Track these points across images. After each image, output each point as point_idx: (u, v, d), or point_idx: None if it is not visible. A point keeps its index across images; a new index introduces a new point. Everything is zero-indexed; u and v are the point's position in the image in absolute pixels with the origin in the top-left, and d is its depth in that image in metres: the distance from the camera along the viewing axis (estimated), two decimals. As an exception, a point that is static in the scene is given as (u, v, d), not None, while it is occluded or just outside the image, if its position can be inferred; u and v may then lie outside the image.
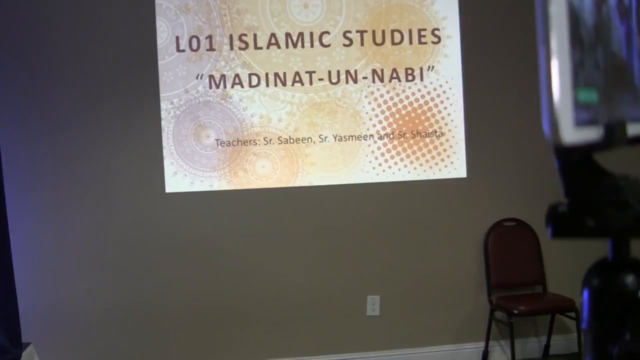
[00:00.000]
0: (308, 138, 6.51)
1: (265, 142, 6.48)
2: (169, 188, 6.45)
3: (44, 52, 6.37)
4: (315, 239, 6.59)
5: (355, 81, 6.52)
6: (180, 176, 6.45)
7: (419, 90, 6.56)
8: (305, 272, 6.59)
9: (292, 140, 6.51)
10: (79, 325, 6.39)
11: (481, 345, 6.67)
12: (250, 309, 6.56)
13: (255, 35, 6.47)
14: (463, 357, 6.69)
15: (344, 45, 6.51)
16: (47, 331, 6.30)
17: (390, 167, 6.56)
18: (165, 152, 6.43)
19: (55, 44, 6.38)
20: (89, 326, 6.40)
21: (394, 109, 6.55)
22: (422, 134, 6.56)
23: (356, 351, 6.63)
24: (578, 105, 0.91)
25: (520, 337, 6.58)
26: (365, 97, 6.53)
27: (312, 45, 6.50)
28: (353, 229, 6.60)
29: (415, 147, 6.57)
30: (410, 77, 6.55)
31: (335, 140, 6.52)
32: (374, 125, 6.54)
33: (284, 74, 6.50)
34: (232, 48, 6.46)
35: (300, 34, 6.50)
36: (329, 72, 6.52)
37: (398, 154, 6.56)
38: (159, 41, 6.43)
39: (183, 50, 6.45)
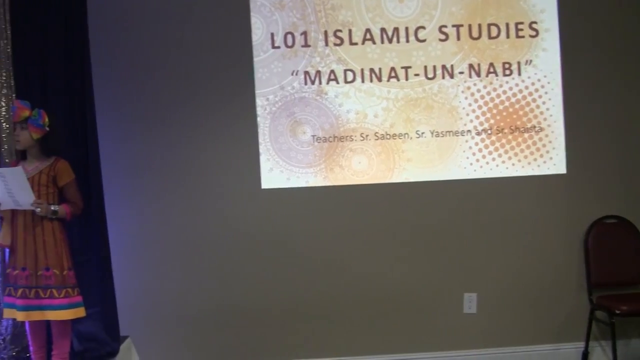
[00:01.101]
0: (404, 134, 6.59)
1: (362, 138, 6.57)
2: (265, 184, 6.54)
3: (143, 50, 6.51)
4: (411, 236, 6.63)
5: (451, 76, 6.59)
6: (277, 172, 6.55)
7: (517, 84, 6.61)
8: (401, 269, 6.62)
9: (388, 136, 6.58)
10: (175, 320, 6.50)
11: (581, 345, 6.65)
12: (345, 306, 6.62)
13: (350, 31, 6.56)
14: (562, 358, 6.67)
15: (440, 40, 6.58)
16: (144, 325, 6.42)
17: (487, 163, 6.62)
18: (261, 148, 6.52)
19: (153, 40, 6.52)
20: (184, 320, 6.51)
21: (491, 104, 6.61)
22: (521, 129, 6.61)
23: (452, 349, 6.67)
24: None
25: (622, 338, 6.53)
26: (462, 92, 6.59)
27: (407, 41, 6.58)
28: (449, 226, 6.64)
29: (513, 143, 6.61)
30: (507, 72, 6.60)
31: (431, 136, 6.59)
32: (471, 121, 6.60)
33: (380, 69, 6.57)
34: (327, 44, 6.55)
35: (396, 29, 6.57)
36: (425, 67, 6.59)
37: (496, 149, 6.61)
38: (254, 38, 6.54)
39: (278, 47, 6.56)
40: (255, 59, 6.55)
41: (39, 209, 5.15)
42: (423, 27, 6.61)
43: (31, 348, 5.38)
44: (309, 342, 6.63)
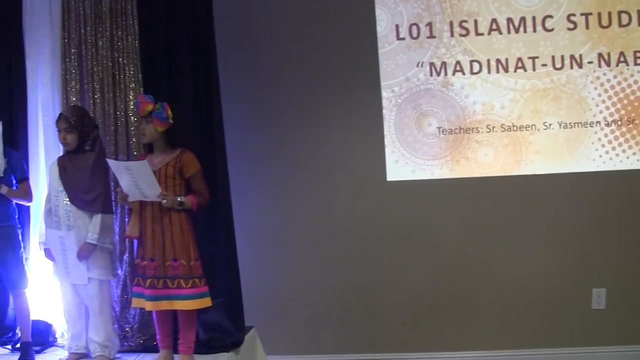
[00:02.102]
0: (532, 125, 6.01)
1: (488, 130, 6.03)
2: (391, 176, 6.11)
3: (268, 42, 6.19)
4: (538, 229, 6.07)
5: (580, 66, 5.96)
6: (402, 164, 6.10)
7: (649, 74, 5.88)
8: (528, 264, 6.07)
9: (515, 128, 6.02)
10: (299, 311, 6.18)
11: None
12: (469, 300, 6.14)
13: (475, 22, 6.02)
14: (696, 356, 5.95)
15: (568, 29, 5.96)
16: (269, 316, 6.08)
17: (617, 155, 5.97)
18: (386, 140, 6.09)
19: (278, 33, 6.18)
20: (308, 312, 6.17)
21: (621, 95, 5.94)
22: (653, 120, 5.92)
23: (580, 345, 6.08)
24: None
25: None
26: (591, 82, 5.95)
27: (534, 30, 5.99)
28: (578, 219, 6.04)
29: (646, 134, 5.91)
30: (639, 61, 5.95)
31: (560, 128, 5.98)
32: (601, 112, 5.96)
33: (506, 60, 6.02)
34: (452, 35, 6.04)
35: (522, 19, 6.00)
36: (553, 57, 5.99)
37: (626, 141, 5.94)
38: (379, 30, 6.09)
39: (403, 39, 6.09)
40: (380, 51, 6.10)
41: (165, 200, 4.85)
42: (550, 16, 6.00)
43: (158, 337, 5.12)
44: (433, 336, 6.17)
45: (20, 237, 5.41)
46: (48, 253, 5.29)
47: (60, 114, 5.23)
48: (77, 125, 5.15)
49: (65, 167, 5.19)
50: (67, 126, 5.13)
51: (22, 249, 5.41)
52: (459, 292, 6.14)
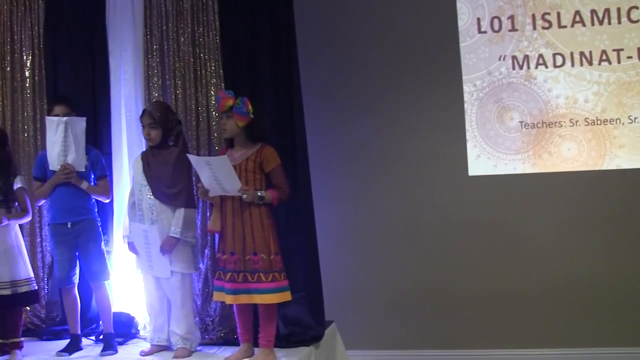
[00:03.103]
0: (616, 119, 5.82)
1: (571, 124, 5.86)
2: (472, 171, 5.99)
3: (348, 37, 6.14)
4: (621, 226, 5.87)
5: None
6: (484, 159, 5.97)
7: None
8: (605, 260, 5.88)
9: (599, 122, 5.84)
10: (379, 306, 6.08)
11: None
12: (550, 296, 5.96)
13: (558, 14, 5.87)
14: None
15: None
16: (349, 311, 6.01)
17: None
18: (468, 134, 5.97)
19: (358, 28, 6.12)
20: (389, 307, 6.07)
21: None
22: None
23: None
24: None
25: None
26: None
27: (619, 22, 5.81)
28: None
29: None
30: None
31: (646, 121, 5.77)
32: (690, 105, 5.70)
33: (590, 52, 5.84)
34: (534, 28, 5.90)
35: (607, 10, 5.81)
36: (638, 49, 5.79)
37: None
38: (460, 23, 5.99)
39: (485, 32, 5.97)
40: (462, 45, 6.01)
41: (245, 195, 4.81)
42: (636, 7, 5.82)
43: (238, 330, 5.09)
44: (509, 329, 6.00)
45: (100, 230, 5.47)
46: (132, 246, 5.32)
47: (144, 110, 5.26)
48: (161, 121, 5.17)
49: (149, 162, 5.22)
50: (151, 122, 5.15)
51: (102, 242, 5.47)
52: (540, 288, 5.97)
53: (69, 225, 5.35)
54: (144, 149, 5.50)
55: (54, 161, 5.32)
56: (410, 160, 6.06)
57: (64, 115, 5.34)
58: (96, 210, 5.48)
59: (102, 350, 5.31)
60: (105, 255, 5.47)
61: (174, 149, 5.16)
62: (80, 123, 5.33)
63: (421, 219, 6.04)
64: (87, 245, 5.36)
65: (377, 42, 6.08)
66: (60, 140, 5.29)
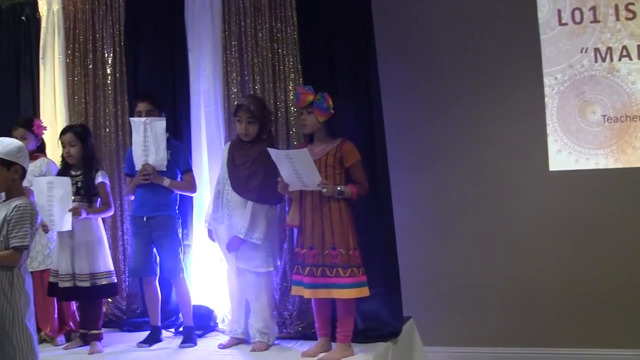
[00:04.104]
0: None
1: (655, 118, 5.68)
2: (553, 166, 5.85)
3: (427, 32, 6.06)
4: None
5: None
6: (565, 154, 5.82)
7: None
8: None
9: (685, 115, 5.64)
10: (457, 302, 5.99)
11: None
12: (630, 294, 5.76)
13: (643, 4, 5.66)
14: None
15: None
16: (427, 307, 5.92)
17: None
18: (549, 129, 5.83)
19: (437, 22, 6.05)
20: (467, 303, 5.97)
21: None
22: None
23: None
24: None
25: None
26: None
27: None
28: None
29: None
30: None
31: None
32: None
33: (676, 43, 5.63)
34: (617, 19, 5.72)
35: (694, 0, 5.60)
36: None
37: None
38: (540, 15, 5.86)
39: (565, 24, 5.82)
40: (542, 37, 5.87)
41: (325, 189, 4.80)
42: None
43: (316, 325, 5.09)
44: (592, 331, 5.81)
45: (177, 227, 5.53)
46: (211, 234, 5.38)
47: (241, 105, 5.24)
48: (259, 116, 5.19)
49: (234, 155, 5.26)
50: (250, 116, 5.17)
51: (178, 238, 5.52)
52: (623, 288, 5.78)
53: (145, 219, 5.44)
54: (224, 144, 5.58)
55: (137, 160, 5.42)
56: (489, 155, 5.96)
57: (147, 112, 5.43)
58: (177, 206, 5.54)
59: (182, 343, 5.37)
60: (180, 251, 5.52)
61: (262, 144, 5.16)
62: (160, 123, 5.38)
63: (500, 215, 5.93)
64: (161, 241, 5.44)
65: (456, 37, 6.00)
66: (141, 140, 5.38)
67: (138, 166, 5.41)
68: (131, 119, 5.52)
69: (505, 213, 5.92)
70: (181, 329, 5.67)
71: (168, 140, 5.43)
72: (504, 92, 5.92)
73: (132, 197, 5.60)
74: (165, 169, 5.40)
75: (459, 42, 6.00)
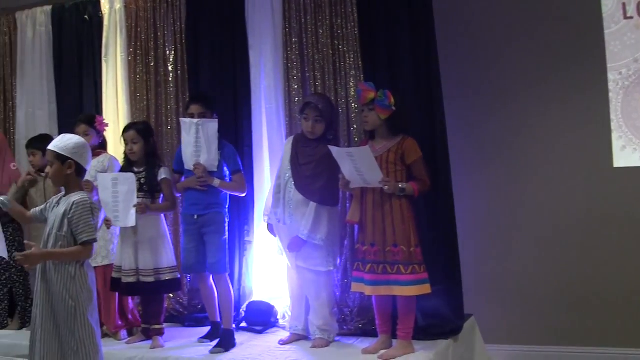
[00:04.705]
0: None
1: None
2: (617, 163, 5.74)
3: (488, 27, 6.00)
4: None
5: None
6: (629, 150, 5.71)
7: None
8: None
9: None
10: (519, 300, 5.91)
11: None
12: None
13: None
14: None
15: None
16: (488, 305, 5.87)
17: None
18: (613, 125, 5.72)
19: (498, 17, 5.99)
20: (529, 301, 5.89)
21: None
22: None
23: None
24: None
25: None
26: None
27: None
28: None
29: None
30: None
31: None
32: None
33: None
34: (685, 11, 5.61)
35: None
36: None
37: None
38: (604, 9, 5.75)
39: (631, 17, 5.70)
40: (606, 32, 5.77)
41: (386, 186, 4.81)
42: None
43: (377, 322, 5.10)
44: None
45: (225, 224, 5.57)
46: (271, 228, 5.41)
47: (309, 102, 5.26)
48: (326, 115, 5.21)
49: (298, 153, 5.28)
50: (317, 115, 5.19)
51: (225, 236, 5.54)
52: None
53: (195, 217, 5.50)
54: (284, 141, 5.62)
55: (188, 161, 5.48)
56: (552, 152, 5.87)
57: (199, 115, 5.47)
58: (227, 205, 5.59)
59: (214, 347, 5.27)
60: (226, 250, 5.55)
61: (327, 142, 5.15)
62: (212, 125, 5.44)
63: (564, 212, 5.84)
64: (208, 237, 5.49)
65: (517, 33, 5.93)
66: (192, 141, 5.44)
67: (189, 166, 5.48)
68: (182, 119, 5.59)
69: (568, 210, 5.83)
70: (243, 324, 5.71)
71: (218, 141, 5.48)
72: (567, 87, 5.84)
73: (179, 195, 5.71)
74: (216, 170, 5.46)
75: (521, 37, 5.94)
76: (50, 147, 4.30)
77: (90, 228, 4.18)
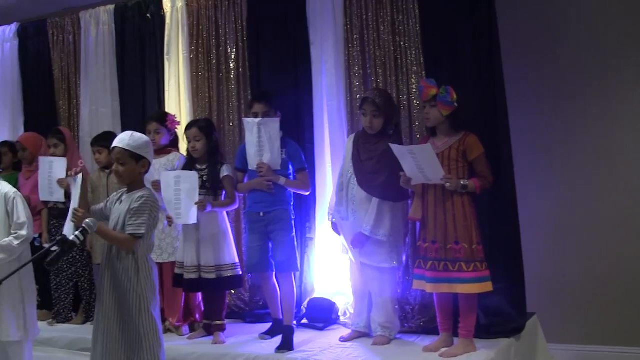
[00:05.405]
0: None
1: None
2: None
3: (553, 18, 5.93)
4: None
5: None
6: None
7: None
8: None
9: None
10: (582, 299, 5.83)
11: None
12: None
13: None
14: None
15: None
16: (551, 303, 5.81)
17: None
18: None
19: (564, 10, 5.91)
20: (594, 301, 5.81)
21: None
22: None
23: None
24: None
25: None
26: None
27: None
28: None
29: None
30: None
31: None
32: None
33: None
34: None
35: None
36: None
37: None
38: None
39: None
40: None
41: (448, 183, 4.80)
42: None
43: (438, 320, 5.09)
44: None
45: (292, 221, 5.60)
46: (335, 227, 5.44)
47: (366, 98, 5.28)
48: (384, 110, 5.21)
49: (359, 149, 5.31)
50: (375, 109, 5.20)
51: (293, 234, 5.58)
52: None
53: (261, 214, 5.53)
54: (346, 138, 5.63)
55: (252, 160, 5.53)
56: (619, 148, 5.78)
57: (263, 114, 5.51)
58: (292, 202, 5.63)
59: (278, 347, 5.24)
60: (296, 246, 5.59)
61: (388, 138, 5.17)
62: (274, 124, 5.47)
63: (631, 211, 5.74)
64: (277, 234, 5.51)
65: (583, 24, 5.84)
66: (255, 140, 5.49)
67: (252, 165, 5.53)
68: (244, 119, 5.65)
69: (636, 208, 5.74)
70: (304, 321, 5.74)
71: (282, 139, 5.51)
72: (635, 81, 5.74)
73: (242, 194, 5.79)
74: (279, 168, 5.50)
75: (586, 29, 5.84)
76: (122, 145, 4.32)
77: (141, 223, 4.21)
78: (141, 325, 4.22)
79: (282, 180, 5.47)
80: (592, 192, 5.84)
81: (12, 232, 4.82)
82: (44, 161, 6.33)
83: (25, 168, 6.76)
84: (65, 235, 4.03)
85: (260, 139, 5.45)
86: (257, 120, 5.45)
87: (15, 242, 4.77)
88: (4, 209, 4.85)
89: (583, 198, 5.86)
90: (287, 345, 5.22)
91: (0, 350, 4.86)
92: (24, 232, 4.80)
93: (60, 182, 6.21)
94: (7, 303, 4.81)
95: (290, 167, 5.58)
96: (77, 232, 4.00)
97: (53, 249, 3.93)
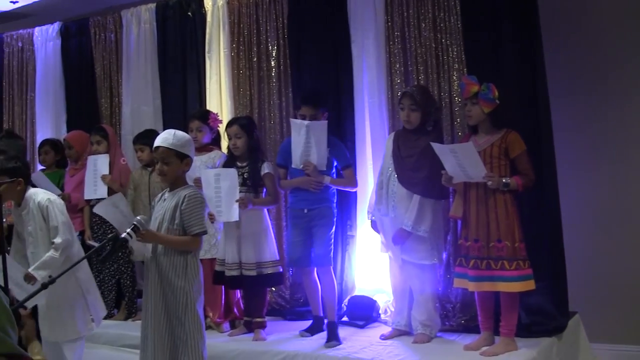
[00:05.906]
0: None
1: None
2: None
3: (596, 9, 5.84)
4: None
5: None
6: None
7: None
8: None
9: None
10: (626, 298, 5.75)
11: None
12: None
13: None
14: None
15: None
16: (594, 302, 5.73)
17: None
18: None
19: (607, 9, 5.82)
20: (635, 299, 5.73)
21: None
22: None
23: None
24: None
25: None
26: None
27: None
28: None
29: None
30: None
31: None
32: None
33: None
34: None
35: None
36: None
37: None
38: None
39: None
40: None
41: (490, 181, 4.80)
42: None
43: (479, 318, 5.08)
44: None
45: (334, 218, 5.64)
46: (374, 225, 5.46)
47: (405, 92, 5.32)
48: (422, 104, 5.22)
49: (399, 146, 5.32)
50: (412, 103, 5.23)
51: (332, 230, 5.61)
52: None
53: (305, 211, 5.58)
54: (387, 135, 5.65)
55: (297, 160, 5.56)
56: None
57: (310, 117, 5.53)
58: (335, 199, 5.67)
59: (327, 341, 5.32)
60: (331, 242, 5.61)
61: (428, 136, 5.18)
62: (322, 127, 5.49)
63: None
64: (317, 230, 5.56)
65: (628, 22, 5.75)
66: (302, 141, 5.51)
67: (296, 164, 5.56)
68: (292, 120, 5.68)
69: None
70: (345, 318, 5.77)
71: (327, 141, 5.54)
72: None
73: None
74: (325, 168, 5.53)
75: (630, 28, 5.76)
76: (166, 144, 4.37)
77: (201, 221, 4.32)
78: (187, 322, 4.29)
79: (327, 180, 5.51)
80: (636, 189, 5.78)
81: (52, 240, 4.89)
82: (91, 160, 6.43)
83: (71, 166, 6.87)
84: (116, 233, 4.11)
85: (307, 141, 5.48)
86: (306, 122, 5.47)
87: (55, 254, 4.84)
88: (41, 217, 4.92)
89: (626, 195, 5.79)
90: (334, 338, 5.29)
91: (53, 347, 4.94)
92: (59, 240, 4.86)
93: (103, 177, 6.30)
94: (66, 304, 4.91)
95: (335, 165, 5.61)
96: (128, 230, 4.08)
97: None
